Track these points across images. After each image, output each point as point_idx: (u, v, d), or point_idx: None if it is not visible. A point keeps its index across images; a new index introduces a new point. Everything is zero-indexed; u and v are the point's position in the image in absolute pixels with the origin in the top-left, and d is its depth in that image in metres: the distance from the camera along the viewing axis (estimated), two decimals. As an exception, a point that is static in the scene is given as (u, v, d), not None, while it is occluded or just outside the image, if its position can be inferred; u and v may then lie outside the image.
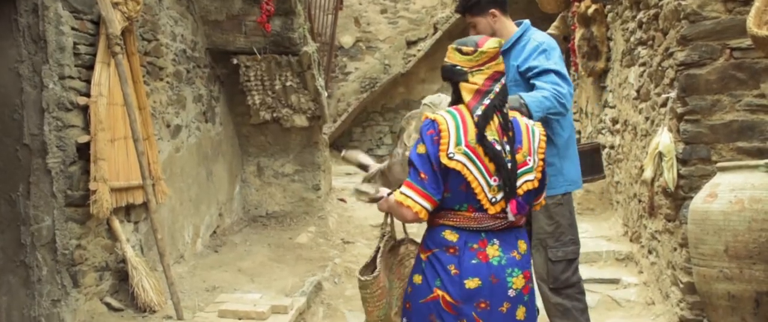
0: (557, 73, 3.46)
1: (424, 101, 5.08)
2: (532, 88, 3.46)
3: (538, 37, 3.64)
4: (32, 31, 4.24)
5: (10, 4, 4.21)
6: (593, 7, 7.05)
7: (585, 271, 5.70)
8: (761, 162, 3.73)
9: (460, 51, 2.67)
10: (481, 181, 2.48)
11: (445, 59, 2.73)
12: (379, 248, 3.06)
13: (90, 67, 4.55)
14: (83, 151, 4.44)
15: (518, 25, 3.71)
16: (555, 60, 3.52)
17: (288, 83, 7.12)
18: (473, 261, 2.51)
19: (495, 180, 2.49)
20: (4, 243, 4.29)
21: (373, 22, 13.12)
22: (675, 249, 4.48)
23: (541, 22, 11.23)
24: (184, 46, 6.21)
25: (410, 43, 12.32)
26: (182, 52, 6.17)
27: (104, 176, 4.43)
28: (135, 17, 4.89)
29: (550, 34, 9.54)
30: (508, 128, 2.56)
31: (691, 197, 4.00)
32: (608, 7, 6.89)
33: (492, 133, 2.53)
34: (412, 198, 2.48)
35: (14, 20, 4.24)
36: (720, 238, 3.64)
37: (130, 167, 4.83)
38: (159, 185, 5.12)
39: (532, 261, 2.85)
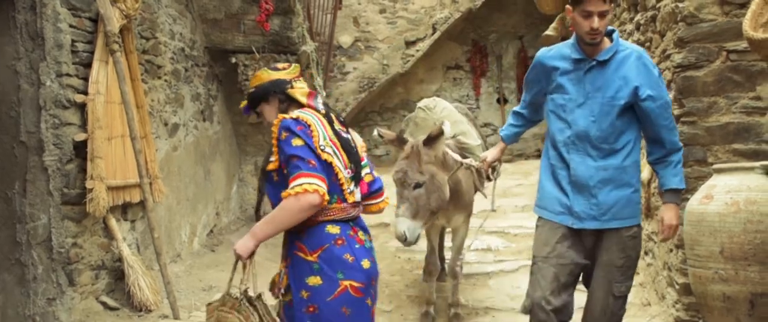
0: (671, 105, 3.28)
1: (419, 104, 4.95)
2: (625, 114, 3.17)
3: (638, 49, 3.28)
4: (30, 28, 4.24)
5: (8, 1, 4.21)
6: (591, 8, 7.04)
7: (581, 272, 5.71)
8: (757, 164, 3.73)
9: (275, 69, 2.86)
10: (344, 172, 2.66)
11: (257, 83, 2.88)
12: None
13: (88, 65, 4.55)
14: (80, 149, 4.44)
15: (607, 34, 3.22)
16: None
17: (286, 83, 7.10)
18: (357, 246, 2.68)
19: (349, 172, 2.69)
20: (1, 240, 4.29)
21: (372, 22, 13.10)
22: (671, 250, 4.48)
23: (540, 23, 11.26)
24: (182, 44, 6.21)
25: (409, 44, 12.30)
26: (181, 51, 6.17)
27: (101, 174, 4.43)
28: (133, 15, 4.89)
29: (548, 36, 9.59)
30: (344, 123, 2.82)
31: (688, 199, 4.00)
32: (606, 8, 6.88)
33: (337, 124, 2.76)
34: (315, 183, 2.51)
35: (12, 17, 4.24)
36: (715, 239, 3.65)
37: (127, 165, 4.83)
38: (156, 183, 5.12)
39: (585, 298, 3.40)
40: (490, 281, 5.93)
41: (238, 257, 2.75)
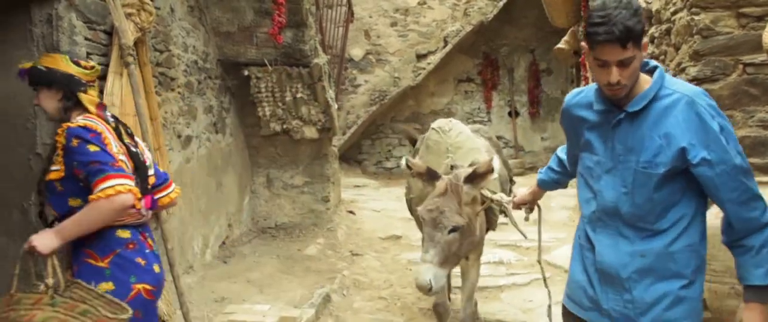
0: (749, 171, 2.31)
1: (433, 125, 4.44)
2: (672, 181, 2.32)
3: (693, 90, 2.33)
4: (46, 40, 4.27)
5: (25, 14, 4.24)
6: (604, 21, 7.04)
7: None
8: (772, 179, 3.70)
9: (77, 64, 2.87)
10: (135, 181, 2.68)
11: (51, 65, 2.85)
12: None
13: (102, 78, 4.56)
14: (95, 160, 4.45)
15: (648, 70, 2.40)
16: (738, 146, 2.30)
17: (298, 95, 7.14)
18: (148, 251, 2.75)
19: (133, 180, 2.70)
20: (16, 252, 4.29)
21: (384, 35, 13.15)
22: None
23: (552, 36, 11.26)
24: (195, 57, 6.24)
25: (420, 57, 12.34)
26: (194, 63, 6.20)
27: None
28: (148, 28, 4.91)
29: (560, 49, 9.59)
30: (132, 136, 2.91)
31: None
32: (591, 21, 6.87)
33: (126, 138, 2.82)
34: (128, 184, 2.55)
35: (29, 30, 4.27)
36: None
37: (140, 177, 4.84)
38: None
39: None
40: (502, 294, 5.90)
41: (34, 252, 2.69)
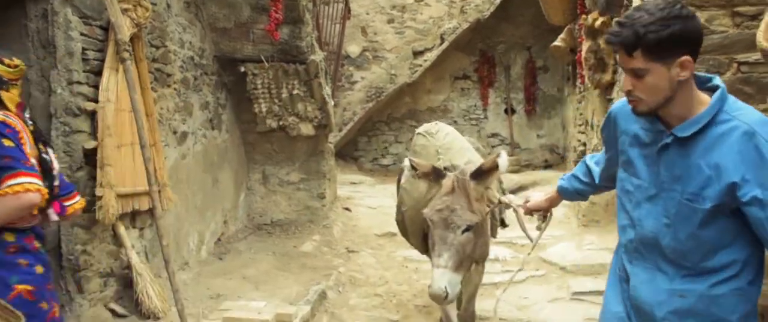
0: None
1: (418, 130, 4.25)
2: (723, 220, 2.07)
3: (758, 118, 2.02)
4: (41, 36, 4.27)
5: (20, 9, 4.24)
6: (600, 19, 7.05)
7: (589, 283, 5.70)
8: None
9: (0, 61, 2.84)
10: None
11: None
12: None
13: (98, 73, 4.57)
14: (90, 156, 4.45)
15: (708, 88, 2.12)
16: None
17: (295, 92, 7.13)
18: (31, 252, 2.74)
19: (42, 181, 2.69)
20: (9, 247, 4.30)
21: (380, 32, 13.15)
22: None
23: (548, 34, 11.27)
24: (191, 53, 6.23)
25: (417, 54, 12.35)
26: (190, 59, 6.19)
27: (111, 181, 4.44)
28: (144, 24, 4.90)
29: (556, 46, 9.60)
30: (46, 143, 2.91)
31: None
32: (615, 19, 6.88)
33: (40, 144, 2.82)
34: (37, 183, 2.56)
35: (24, 25, 4.27)
36: None
37: (136, 173, 4.84)
38: (165, 191, 5.12)
39: None
40: (498, 291, 5.90)
41: None
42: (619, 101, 2.35)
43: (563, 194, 2.90)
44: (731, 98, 2.07)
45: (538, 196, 3.02)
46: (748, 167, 1.94)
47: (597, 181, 2.69)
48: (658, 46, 1.95)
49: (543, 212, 3.01)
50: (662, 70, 1.98)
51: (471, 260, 3.44)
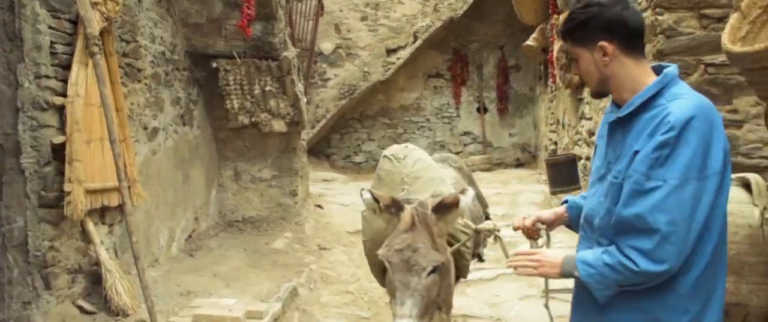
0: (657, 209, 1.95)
1: (385, 152, 3.70)
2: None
3: (680, 107, 1.99)
4: (8, 28, 4.20)
5: (-13, 1, 4.17)
6: (572, 19, 7.12)
7: (560, 281, 5.74)
8: (733, 176, 3.78)
9: None
10: None
11: None
12: None
13: (67, 67, 4.51)
14: (58, 151, 4.39)
15: (658, 71, 2.14)
16: (680, 171, 1.95)
17: (267, 88, 7.10)
18: None
19: None
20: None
21: (354, 30, 13.14)
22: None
23: (520, 33, 11.36)
24: (163, 48, 6.18)
25: (390, 51, 12.36)
26: (161, 55, 6.14)
27: (79, 177, 4.38)
28: (114, 18, 4.85)
29: (528, 46, 9.67)
30: None
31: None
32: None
33: None
34: None
35: (-10, 18, 4.20)
36: None
37: (105, 168, 4.78)
38: (135, 187, 5.08)
39: None
40: (468, 289, 5.95)
41: None
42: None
43: (572, 210, 2.58)
44: (680, 86, 2.09)
45: (541, 211, 2.69)
46: (642, 141, 2.00)
47: None
48: (575, 31, 2.14)
49: (537, 232, 2.63)
50: (587, 55, 2.14)
51: (436, 306, 2.96)
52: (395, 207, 2.83)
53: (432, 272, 2.65)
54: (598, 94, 2.23)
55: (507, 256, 2.76)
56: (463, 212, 2.86)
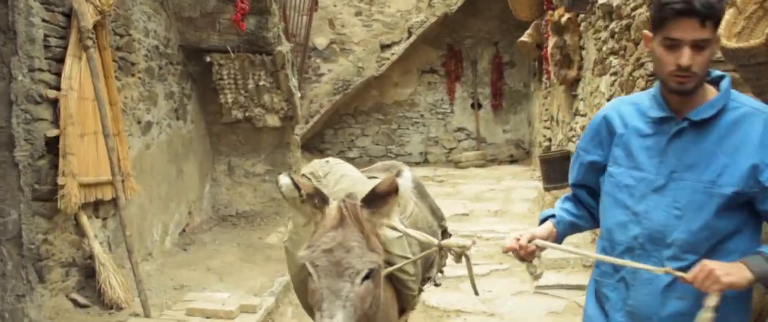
0: None
1: (304, 170, 3.09)
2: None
3: (759, 106, 2.05)
4: (1, 21, 4.18)
5: (-20, -6, 4.15)
6: (567, 16, 7.14)
7: (552, 277, 5.77)
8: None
9: None
10: None
11: None
12: None
13: (60, 61, 4.49)
14: (52, 145, 4.38)
15: (712, 80, 2.06)
16: None
17: (261, 83, 7.09)
18: None
19: None
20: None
21: (348, 25, 13.12)
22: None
23: (515, 29, 11.36)
24: (157, 42, 6.16)
25: (384, 47, 12.34)
26: (155, 49, 6.12)
27: (73, 170, 4.37)
28: (108, 11, 4.84)
29: (523, 42, 9.68)
30: None
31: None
32: (581, 16, 6.97)
33: None
34: None
35: (-17, 10, 4.18)
36: None
37: (99, 162, 4.78)
38: (128, 181, 5.07)
39: None
40: (461, 285, 5.95)
41: None
42: (610, 104, 2.29)
43: (560, 225, 2.36)
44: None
45: (535, 229, 2.34)
46: (766, 150, 1.94)
47: (592, 205, 2.36)
48: (721, 17, 1.94)
49: (533, 253, 2.27)
50: (715, 44, 1.98)
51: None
52: (319, 199, 2.25)
53: (367, 276, 2.13)
54: (691, 91, 1.98)
55: (474, 286, 2.58)
56: (405, 200, 2.40)
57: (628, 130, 2.13)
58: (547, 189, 7.45)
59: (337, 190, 2.76)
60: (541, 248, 2.24)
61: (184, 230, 6.83)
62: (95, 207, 4.96)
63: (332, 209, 2.23)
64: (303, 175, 2.96)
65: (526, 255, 2.24)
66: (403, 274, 2.75)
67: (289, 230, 2.95)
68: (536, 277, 2.41)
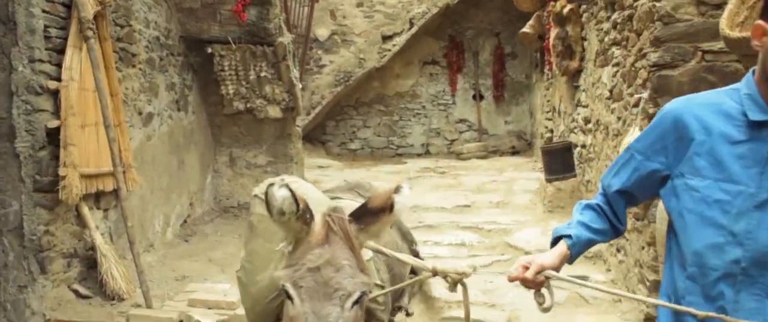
0: None
1: (256, 191, 2.68)
2: None
3: None
4: (1, 12, 4.17)
5: (-19, -16, 4.14)
6: (568, 6, 7.11)
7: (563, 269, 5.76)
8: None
9: None
10: None
11: None
12: None
13: (61, 51, 4.48)
14: (53, 136, 4.38)
15: None
16: None
17: (262, 74, 7.08)
18: None
19: None
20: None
21: (349, 16, 13.08)
22: (643, 248, 4.54)
23: (517, 20, 11.32)
24: (157, 33, 6.15)
25: (386, 38, 12.30)
26: (155, 40, 6.11)
27: (74, 161, 4.37)
28: (108, 2, 4.82)
29: (525, 33, 9.65)
30: None
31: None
32: (583, 7, 6.95)
33: None
34: None
35: (-16, 1, 4.17)
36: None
37: (100, 153, 4.77)
38: (130, 172, 5.07)
39: None
40: (463, 276, 5.95)
41: None
42: (680, 100, 1.95)
43: (574, 248, 2.07)
44: None
45: (543, 256, 2.09)
46: None
47: (614, 213, 2.09)
48: None
49: (542, 283, 2.08)
50: None
51: None
52: (309, 213, 1.91)
53: (357, 300, 1.84)
54: None
55: (467, 312, 2.32)
56: (397, 220, 2.03)
57: (712, 136, 1.80)
58: (548, 180, 7.44)
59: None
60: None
61: (185, 222, 6.83)
62: (96, 198, 4.96)
63: (317, 224, 1.91)
64: (255, 195, 2.63)
65: (533, 285, 2.05)
66: (372, 303, 2.40)
67: (243, 257, 2.63)
68: (545, 309, 2.10)
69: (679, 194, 1.86)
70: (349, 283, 1.80)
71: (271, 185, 1.81)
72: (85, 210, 4.69)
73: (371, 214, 1.91)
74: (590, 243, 2.09)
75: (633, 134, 4.44)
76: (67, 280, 4.56)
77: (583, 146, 6.92)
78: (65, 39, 4.51)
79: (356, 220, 1.92)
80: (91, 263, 4.75)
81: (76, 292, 4.57)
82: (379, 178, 10.16)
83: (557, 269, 2.05)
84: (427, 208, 7.85)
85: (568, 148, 7.27)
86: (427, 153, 13.33)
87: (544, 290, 2.07)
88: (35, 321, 4.24)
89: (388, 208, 1.86)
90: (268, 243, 2.36)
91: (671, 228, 1.93)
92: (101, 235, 4.82)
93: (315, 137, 13.13)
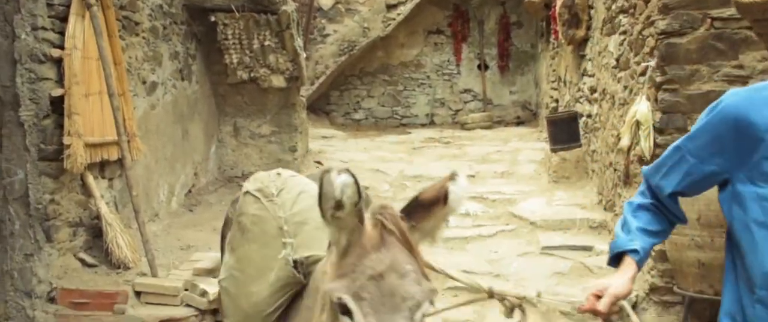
0: None
1: (249, 187, 2.43)
2: None
3: None
4: (4, -21, 4.14)
5: (-18, -50, 4.10)
6: (575, -26, 7.02)
7: (559, 238, 5.78)
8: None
9: None
10: None
11: None
12: None
13: (64, 19, 4.45)
14: (57, 104, 4.36)
15: None
16: None
17: (266, 43, 7.04)
18: None
19: None
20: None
21: (354, -16, 12.97)
22: (648, 217, 4.53)
23: (523, -11, 11.20)
24: (160, 1, 6.10)
25: (390, 7, 12.20)
26: (159, 8, 6.06)
27: (79, 130, 4.36)
28: (111, -31, 4.78)
29: (531, 2, 9.54)
30: None
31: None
32: (590, -26, 6.87)
33: None
34: None
35: (-15, -33, 4.13)
36: (692, 207, 3.69)
37: (104, 122, 4.76)
38: (134, 141, 5.06)
39: None
40: (468, 246, 5.97)
41: None
42: (740, 93, 1.67)
43: (641, 261, 1.83)
44: None
45: (616, 280, 1.81)
46: None
47: (681, 217, 1.89)
48: None
49: (616, 313, 1.87)
50: None
51: None
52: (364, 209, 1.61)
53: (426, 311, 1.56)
54: None
55: None
56: (455, 210, 1.64)
57: None
58: (553, 150, 7.43)
59: (296, 213, 2.21)
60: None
61: (190, 191, 6.84)
62: (101, 167, 4.96)
63: (369, 223, 1.59)
64: (246, 192, 2.37)
65: (609, 315, 1.80)
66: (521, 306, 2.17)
67: (228, 264, 2.29)
68: None
69: (746, 203, 1.60)
70: (418, 291, 1.52)
71: (327, 171, 1.48)
72: (90, 179, 4.69)
73: (423, 208, 1.62)
74: (653, 246, 1.89)
75: (640, 103, 4.42)
76: (72, 248, 4.58)
77: (589, 116, 6.89)
78: (68, 6, 4.47)
79: (409, 215, 1.61)
80: (96, 232, 4.77)
81: (82, 260, 4.59)
82: (383, 148, 10.16)
83: (629, 294, 1.83)
84: (432, 178, 7.84)
85: (573, 118, 7.24)
86: (432, 123, 13.28)
87: (614, 317, 1.87)
88: (42, 289, 4.27)
89: (442, 199, 1.59)
90: (265, 249, 2.14)
91: (731, 239, 1.70)
92: (106, 204, 4.83)
93: (319, 107, 13.09)
